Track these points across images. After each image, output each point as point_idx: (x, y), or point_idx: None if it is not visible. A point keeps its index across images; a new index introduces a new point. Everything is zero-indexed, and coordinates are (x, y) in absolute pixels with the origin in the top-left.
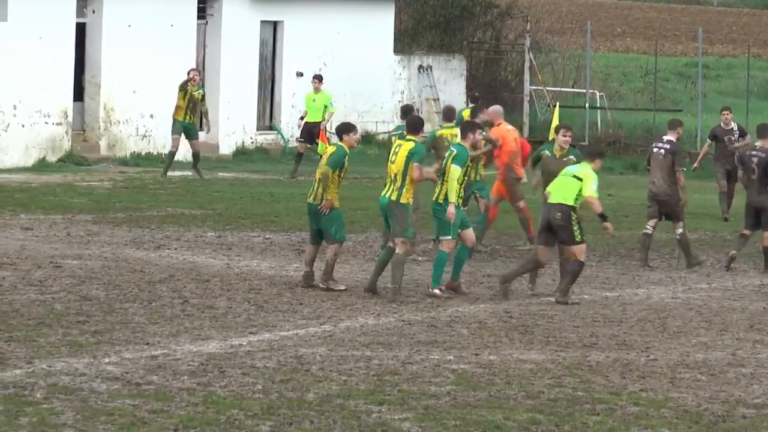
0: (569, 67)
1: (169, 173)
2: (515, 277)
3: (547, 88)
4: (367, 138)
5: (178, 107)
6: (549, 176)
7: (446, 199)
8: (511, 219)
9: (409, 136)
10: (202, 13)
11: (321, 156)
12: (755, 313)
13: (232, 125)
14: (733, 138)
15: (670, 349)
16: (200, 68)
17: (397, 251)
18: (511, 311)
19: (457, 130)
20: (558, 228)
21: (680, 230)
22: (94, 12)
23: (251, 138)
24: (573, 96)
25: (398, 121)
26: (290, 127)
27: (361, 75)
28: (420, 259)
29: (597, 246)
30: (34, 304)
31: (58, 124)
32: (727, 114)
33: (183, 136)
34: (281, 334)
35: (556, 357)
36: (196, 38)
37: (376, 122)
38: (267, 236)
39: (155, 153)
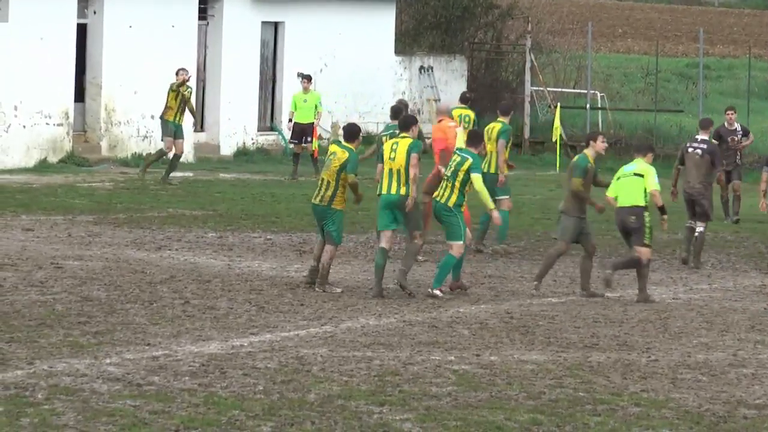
0: (570, 68)
1: (171, 174)
2: (621, 268)
3: (548, 88)
4: (368, 139)
5: (168, 108)
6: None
7: (456, 203)
8: (512, 219)
9: (402, 134)
10: (203, 14)
11: (313, 155)
12: (756, 314)
13: (233, 126)
14: (736, 138)
15: (671, 349)
16: (201, 69)
17: (415, 241)
18: (512, 312)
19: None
20: (633, 230)
21: (701, 229)
22: (95, 13)
23: (252, 139)
24: (574, 97)
25: (389, 121)
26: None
27: (362, 76)
28: (420, 259)
29: (598, 246)
30: (35, 304)
31: (59, 124)
32: (732, 114)
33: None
34: (282, 334)
35: (558, 357)
36: (197, 39)
37: (377, 123)
38: (268, 237)
39: None
